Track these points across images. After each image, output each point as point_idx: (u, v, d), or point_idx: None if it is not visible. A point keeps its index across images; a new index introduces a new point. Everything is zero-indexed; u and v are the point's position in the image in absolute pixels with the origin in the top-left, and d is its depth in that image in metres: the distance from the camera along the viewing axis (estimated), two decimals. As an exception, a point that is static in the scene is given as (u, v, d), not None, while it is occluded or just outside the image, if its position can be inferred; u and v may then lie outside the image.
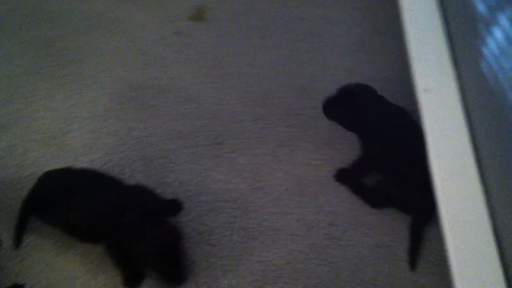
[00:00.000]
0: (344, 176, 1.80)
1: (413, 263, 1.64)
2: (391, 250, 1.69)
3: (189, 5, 2.33)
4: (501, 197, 1.42)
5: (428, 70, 1.76)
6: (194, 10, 2.31)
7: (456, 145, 1.60)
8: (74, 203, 1.57)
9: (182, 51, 2.16)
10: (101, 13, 2.29)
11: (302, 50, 2.18)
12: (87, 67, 2.09)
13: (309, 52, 2.17)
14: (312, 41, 2.21)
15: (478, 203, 1.48)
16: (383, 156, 1.72)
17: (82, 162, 1.85)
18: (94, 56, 2.14)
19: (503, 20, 1.45)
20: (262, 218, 1.78)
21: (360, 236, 1.72)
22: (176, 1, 2.34)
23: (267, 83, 2.06)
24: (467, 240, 1.47)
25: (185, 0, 2.35)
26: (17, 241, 1.63)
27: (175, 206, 1.73)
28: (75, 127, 1.94)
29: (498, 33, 1.47)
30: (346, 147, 1.90)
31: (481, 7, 1.58)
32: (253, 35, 2.22)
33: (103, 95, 2.02)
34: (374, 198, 1.74)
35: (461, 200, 1.52)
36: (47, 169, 1.78)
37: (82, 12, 2.28)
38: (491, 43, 1.50)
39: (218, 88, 2.05)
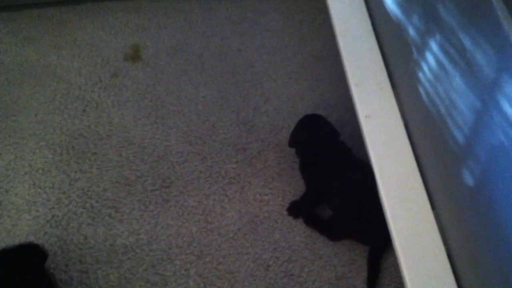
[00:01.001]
0: (296, 210, 1.78)
1: None
2: (350, 281, 1.67)
3: (124, 45, 2.28)
4: (451, 218, 1.42)
5: (368, 95, 1.77)
6: (130, 50, 2.26)
7: (402, 169, 1.60)
8: None
9: (121, 94, 2.11)
10: (33, 61, 2.22)
11: (243, 82, 2.16)
12: (23, 119, 2.02)
13: (250, 84, 2.16)
14: (252, 72, 2.20)
15: (430, 227, 1.49)
16: (329, 190, 1.71)
17: (25, 220, 1.77)
18: (30, 107, 2.07)
19: (433, 45, 1.46)
20: (217, 262, 1.73)
21: (318, 270, 1.70)
22: (110, 43, 2.29)
23: (211, 119, 2.03)
24: (422, 266, 1.47)
25: (120, 41, 2.30)
26: None
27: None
28: (16, 183, 1.86)
29: (430, 58, 1.48)
30: (295, 179, 1.87)
31: (412, 32, 1.59)
32: (192, 70, 2.19)
33: (42, 147, 1.94)
34: (330, 231, 1.72)
35: (413, 225, 1.52)
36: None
37: (13, 61, 2.20)
38: (425, 68, 1.52)
39: (160, 129, 2.00)
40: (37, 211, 1.81)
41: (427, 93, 1.50)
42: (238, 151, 1.95)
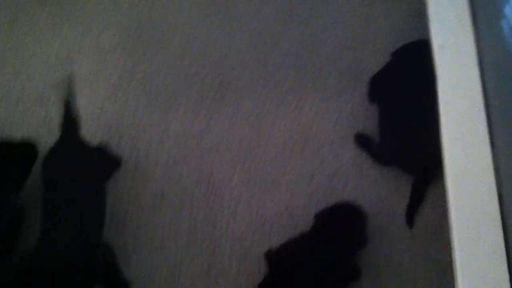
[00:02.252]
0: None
1: (411, 221, 1.62)
2: (391, 206, 1.67)
3: None
4: (510, 160, 1.40)
5: (445, 25, 1.71)
6: None
7: (468, 104, 1.56)
8: None
9: (194, -11, 2.09)
10: None
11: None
12: (95, -3, 2.03)
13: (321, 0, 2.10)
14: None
15: (486, 164, 1.46)
16: (397, 115, 1.69)
17: (85, 94, 1.81)
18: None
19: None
20: (264, 164, 1.76)
21: (362, 189, 1.71)
22: None
23: (277, 29, 2.01)
24: (470, 202, 1.45)
25: None
26: None
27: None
28: (82, 56, 1.90)
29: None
30: (354, 99, 1.85)
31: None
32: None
33: (111, 27, 1.97)
34: (379, 154, 1.71)
35: (468, 161, 1.49)
36: (50, 96, 1.74)
37: None
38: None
39: (226, 29, 2.00)
40: (98, 86, 1.84)
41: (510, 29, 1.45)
42: (300, 64, 1.94)
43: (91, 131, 1.77)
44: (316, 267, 1.44)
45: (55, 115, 1.77)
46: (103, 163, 1.65)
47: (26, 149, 1.63)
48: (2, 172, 1.54)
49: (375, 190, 1.70)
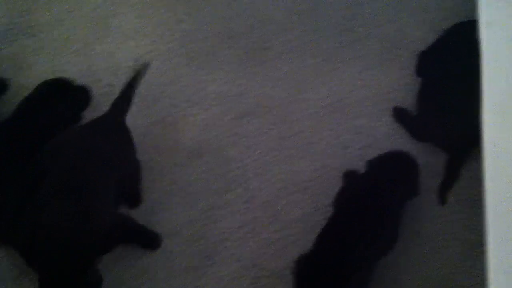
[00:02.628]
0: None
1: (443, 199, 1.63)
2: (424, 183, 1.67)
3: None
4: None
5: (493, 1, 1.68)
6: None
7: None
8: None
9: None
10: None
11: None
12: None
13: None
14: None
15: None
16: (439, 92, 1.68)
17: (128, 46, 1.82)
18: None
19: None
20: (298, 130, 1.77)
21: (395, 161, 1.70)
22: None
23: (322, -5, 1.99)
24: (507, 184, 1.44)
25: None
26: None
27: None
28: (124, 10, 1.91)
29: None
30: (394, 72, 1.84)
31: None
32: None
33: (156, -18, 1.96)
34: (417, 129, 1.71)
35: (509, 142, 1.48)
36: (94, 47, 1.76)
37: None
38: None
39: (272, -7, 1.98)
40: (141, 40, 1.86)
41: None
42: (343, 32, 1.93)
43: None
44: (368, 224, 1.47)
45: (97, 68, 1.78)
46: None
47: (81, 92, 1.68)
48: (56, 110, 1.60)
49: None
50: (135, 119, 1.73)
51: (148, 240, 1.56)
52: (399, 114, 1.77)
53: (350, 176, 1.60)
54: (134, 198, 1.58)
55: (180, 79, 1.82)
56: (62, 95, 1.63)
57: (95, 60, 1.83)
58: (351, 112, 1.81)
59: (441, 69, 1.73)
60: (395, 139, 1.76)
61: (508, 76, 1.49)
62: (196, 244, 1.60)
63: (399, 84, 1.82)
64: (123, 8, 1.91)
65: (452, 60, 1.71)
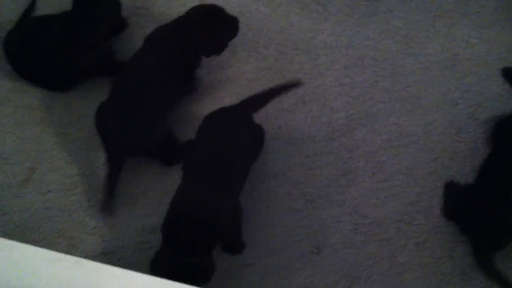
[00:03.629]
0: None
1: None
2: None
3: None
4: None
5: None
6: None
7: None
8: None
9: None
10: None
11: None
12: None
13: None
14: None
15: None
16: None
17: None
18: None
19: None
20: (407, 84, 1.76)
21: (504, 123, 1.67)
22: None
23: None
24: None
25: None
26: None
27: None
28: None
29: None
30: (507, 32, 1.80)
31: None
32: None
33: None
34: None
35: None
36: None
37: None
38: None
39: None
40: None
41: None
42: (458, -12, 1.87)
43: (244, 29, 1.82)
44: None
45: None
46: None
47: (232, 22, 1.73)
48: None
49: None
50: (244, 62, 1.76)
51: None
52: (510, 75, 1.72)
53: None
54: None
55: (289, 27, 1.85)
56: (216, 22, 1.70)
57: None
58: (461, 70, 1.79)
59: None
60: (505, 100, 1.71)
61: None
62: (300, 187, 1.64)
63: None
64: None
65: None
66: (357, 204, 1.61)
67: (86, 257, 1.48)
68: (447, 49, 1.80)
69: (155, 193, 1.61)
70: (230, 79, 1.79)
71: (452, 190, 1.55)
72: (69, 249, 1.54)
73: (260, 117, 1.69)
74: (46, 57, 1.65)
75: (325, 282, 1.51)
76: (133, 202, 1.60)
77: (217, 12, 1.70)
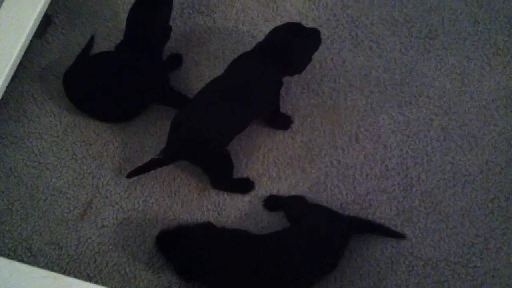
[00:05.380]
0: None
1: None
2: None
3: None
4: None
5: None
6: None
7: None
8: None
9: None
10: None
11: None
12: None
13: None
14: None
15: None
16: None
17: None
18: None
19: None
20: (463, 122, 1.74)
21: None
22: None
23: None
24: None
25: None
26: None
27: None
28: (293, -6, 1.96)
29: None
30: None
31: None
32: None
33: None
34: None
35: None
36: (262, 29, 1.84)
37: None
38: None
39: (441, -20, 1.94)
40: (306, 24, 1.89)
41: None
42: (515, 25, 1.85)
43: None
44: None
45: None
46: None
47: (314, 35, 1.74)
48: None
49: None
50: (298, 98, 1.78)
51: None
52: None
53: None
54: None
55: (343, 63, 1.85)
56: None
57: (262, 41, 1.88)
58: (518, 108, 1.74)
59: None
60: None
61: None
62: (353, 226, 1.60)
63: None
64: (293, -9, 1.95)
65: None
66: (412, 245, 1.58)
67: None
68: (503, 87, 1.77)
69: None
70: (283, 115, 1.76)
71: None
72: (123, 284, 1.55)
73: (312, 155, 1.68)
74: (104, 91, 1.68)
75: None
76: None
77: (298, 28, 1.71)
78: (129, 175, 1.63)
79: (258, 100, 1.64)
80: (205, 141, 1.55)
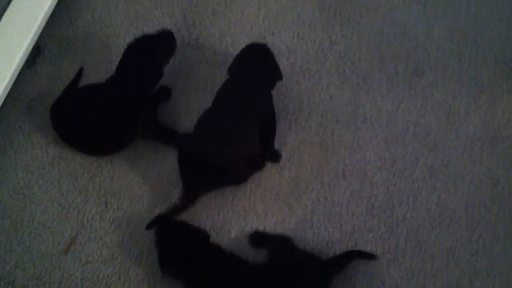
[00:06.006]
0: None
1: None
2: None
3: None
4: None
5: None
6: None
7: None
8: None
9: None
10: None
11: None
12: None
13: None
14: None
15: None
16: None
17: (281, 64, 1.87)
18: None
19: None
20: (448, 160, 1.76)
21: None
22: None
23: (480, 23, 1.96)
24: None
25: None
26: None
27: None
28: (282, 29, 1.98)
29: None
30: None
31: None
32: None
33: (313, 4, 2.04)
34: None
35: None
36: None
37: None
38: None
39: (427, 18, 1.99)
40: (294, 59, 1.92)
41: None
42: (499, 63, 1.90)
43: (285, 101, 1.88)
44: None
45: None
46: None
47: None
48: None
49: None
50: (285, 134, 1.78)
51: None
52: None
53: None
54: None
55: (330, 99, 1.87)
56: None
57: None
58: (503, 147, 1.78)
59: None
60: (552, 179, 1.68)
61: None
62: (338, 264, 1.60)
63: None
64: (281, 27, 1.98)
65: None
66: (397, 285, 1.58)
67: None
68: (489, 126, 1.79)
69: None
70: (270, 150, 1.76)
71: None
72: (106, 321, 1.53)
73: (299, 190, 1.68)
74: (90, 124, 1.68)
75: None
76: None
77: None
78: (149, 226, 1.62)
79: (253, 110, 1.68)
80: (221, 167, 1.58)
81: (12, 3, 1.82)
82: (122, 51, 1.76)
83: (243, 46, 1.79)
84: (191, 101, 1.84)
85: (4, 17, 1.80)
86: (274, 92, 1.71)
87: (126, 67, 1.73)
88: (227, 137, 1.60)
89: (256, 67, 1.72)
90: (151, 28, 1.94)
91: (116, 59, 1.78)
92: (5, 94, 1.75)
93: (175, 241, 1.50)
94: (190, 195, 1.60)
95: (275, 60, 1.75)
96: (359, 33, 1.97)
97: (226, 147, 1.58)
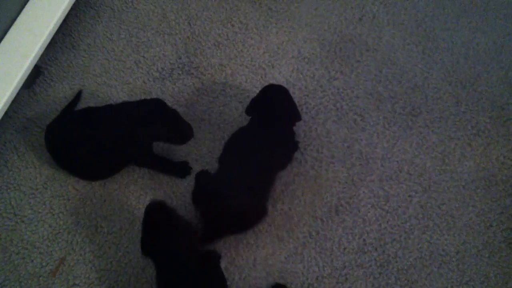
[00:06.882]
0: None
1: None
2: None
3: None
4: None
5: None
6: None
7: None
8: None
9: (398, 14, 2.12)
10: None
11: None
12: (304, 8, 2.13)
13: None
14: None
15: None
16: None
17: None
18: (313, 0, 2.15)
19: None
20: (441, 201, 1.76)
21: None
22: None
23: (477, 68, 1.99)
24: None
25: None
26: None
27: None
28: (282, 63, 2.00)
29: None
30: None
31: None
32: (472, 13, 2.11)
33: (314, 39, 2.05)
34: None
35: None
36: (249, 94, 1.88)
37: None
38: None
39: (425, 60, 2.01)
40: (293, 93, 1.93)
41: None
42: (495, 108, 1.91)
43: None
44: None
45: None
46: None
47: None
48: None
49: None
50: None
51: None
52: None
53: None
54: None
55: (327, 134, 1.87)
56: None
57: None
58: (497, 191, 1.78)
59: None
60: (543, 225, 1.68)
61: None
62: (328, 301, 1.59)
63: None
64: (282, 60, 2.00)
65: None
66: (386, 324, 1.55)
67: None
68: (483, 169, 1.80)
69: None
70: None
71: None
72: None
73: (292, 223, 1.68)
74: (84, 148, 1.67)
75: None
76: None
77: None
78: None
79: (274, 155, 1.71)
80: (243, 214, 1.60)
81: (16, 23, 1.83)
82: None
83: (243, 77, 1.80)
84: (187, 129, 1.83)
85: (7, 37, 1.81)
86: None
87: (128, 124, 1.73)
88: (250, 184, 1.62)
89: (276, 108, 1.72)
90: (152, 54, 1.94)
91: (115, 83, 1.78)
92: (3, 113, 1.73)
93: (158, 226, 1.47)
94: (210, 238, 1.59)
95: (293, 101, 1.74)
96: (358, 71, 1.98)
97: (248, 194, 1.60)
